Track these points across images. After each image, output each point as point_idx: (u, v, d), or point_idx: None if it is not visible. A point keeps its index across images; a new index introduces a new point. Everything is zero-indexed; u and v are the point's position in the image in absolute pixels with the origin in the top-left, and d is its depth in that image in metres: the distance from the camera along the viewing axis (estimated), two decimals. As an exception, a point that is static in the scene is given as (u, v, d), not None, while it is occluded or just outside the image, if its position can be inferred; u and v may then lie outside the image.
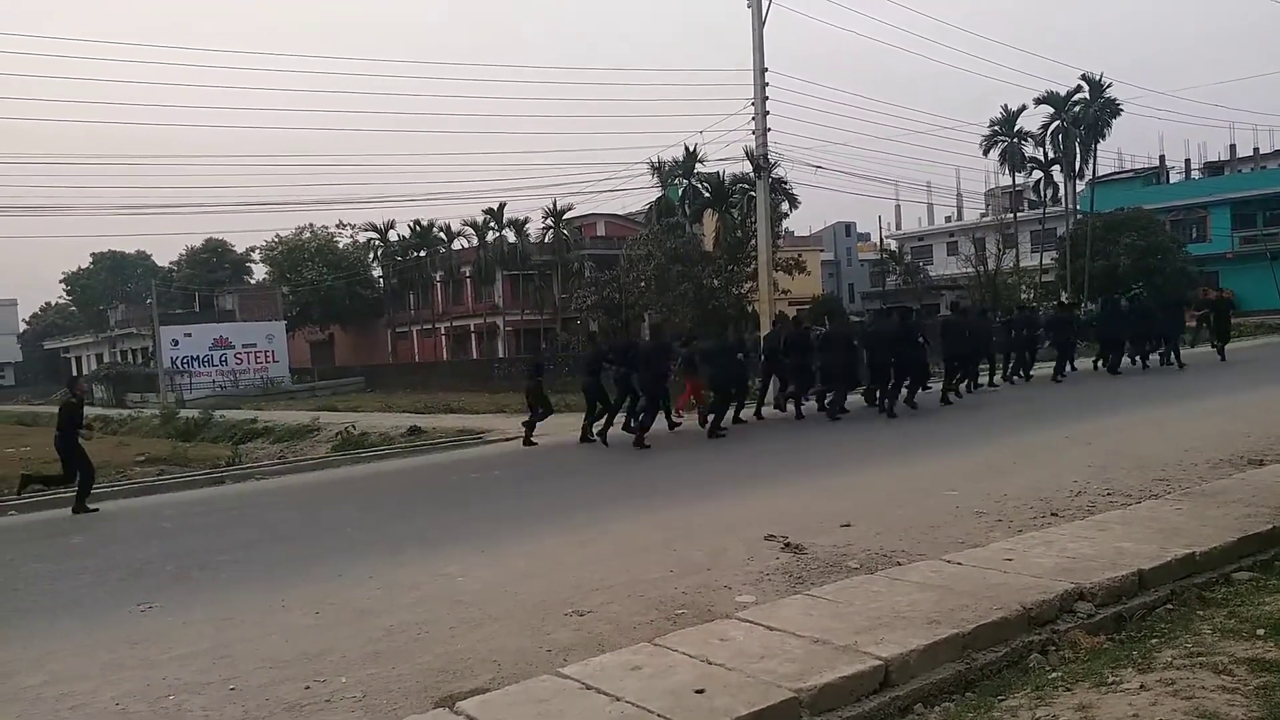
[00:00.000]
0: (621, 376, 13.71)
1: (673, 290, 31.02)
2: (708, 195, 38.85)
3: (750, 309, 29.03)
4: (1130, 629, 4.28)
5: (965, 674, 3.82)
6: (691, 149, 36.98)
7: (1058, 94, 41.31)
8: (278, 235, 59.60)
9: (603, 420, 13.61)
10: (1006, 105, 42.11)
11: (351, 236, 58.30)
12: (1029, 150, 43.12)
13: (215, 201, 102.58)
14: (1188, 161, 53.66)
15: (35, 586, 7.17)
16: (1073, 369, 18.95)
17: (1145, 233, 38.38)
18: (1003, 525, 6.37)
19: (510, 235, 50.24)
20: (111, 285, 68.96)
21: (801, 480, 9.22)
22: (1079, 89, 41.19)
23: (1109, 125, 41.67)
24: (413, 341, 58.66)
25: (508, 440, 15.83)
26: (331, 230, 58.41)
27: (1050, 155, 43.08)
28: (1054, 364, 18.66)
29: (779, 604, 4.71)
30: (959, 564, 5.08)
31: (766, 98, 19.06)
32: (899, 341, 14.29)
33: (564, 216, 47.41)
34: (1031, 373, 18.71)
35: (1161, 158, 52.64)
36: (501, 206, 48.71)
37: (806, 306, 41.94)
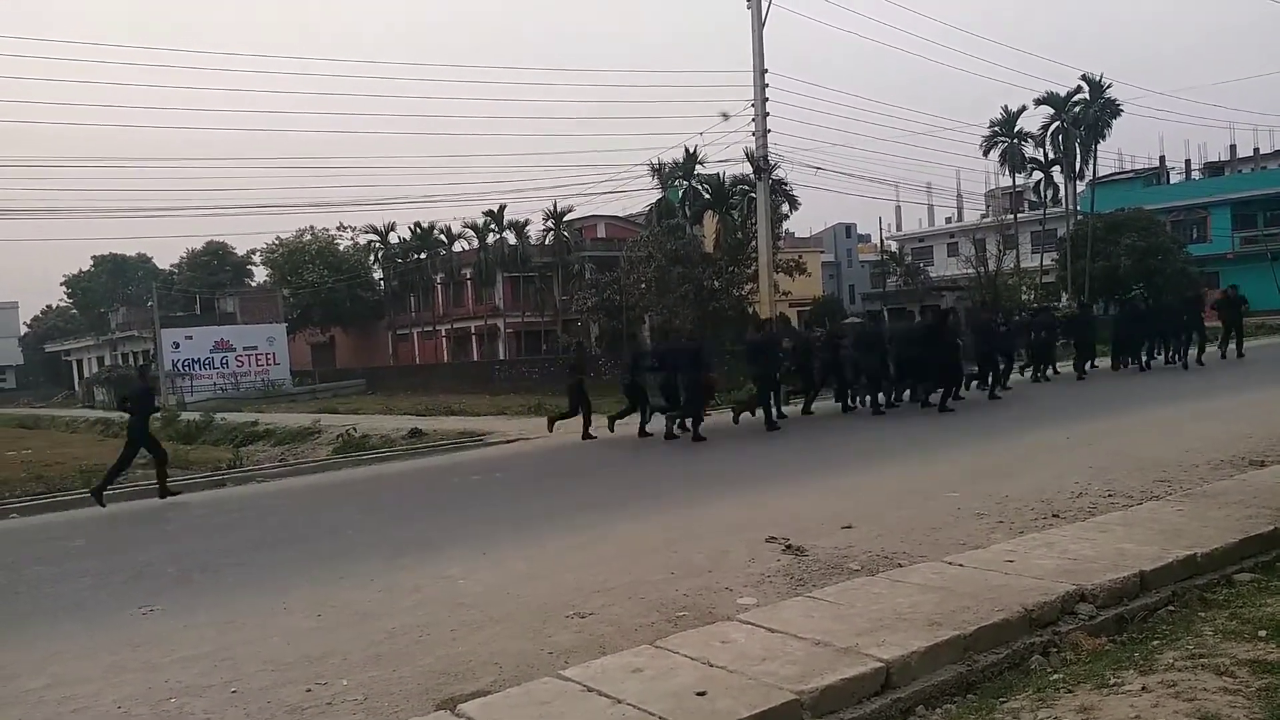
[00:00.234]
0: (665, 378, 14.08)
1: (673, 292, 30.97)
2: (708, 197, 38.81)
3: (751, 310, 29.00)
4: (1132, 630, 4.28)
5: (967, 676, 3.82)
6: (692, 150, 36.99)
7: (1058, 94, 41.28)
8: (278, 238, 59.81)
9: (639, 417, 14.45)
10: (1006, 106, 42.10)
11: (352, 239, 58.36)
12: (1029, 151, 43.06)
13: (216, 204, 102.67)
14: (1188, 162, 53.71)
15: (37, 589, 7.17)
16: (1093, 366, 19.32)
17: (1146, 233, 38.31)
18: (1004, 527, 6.37)
19: (511, 237, 50.20)
20: (112, 288, 68.85)
21: (803, 481, 9.23)
22: (1079, 89, 41.13)
23: (1109, 126, 41.62)
24: (413, 344, 58.59)
25: (509, 442, 15.86)
26: (332, 232, 58.58)
27: (1050, 156, 43.01)
28: (1073, 362, 19.02)
29: (780, 606, 4.71)
30: (960, 566, 5.08)
31: (766, 99, 19.10)
32: (931, 344, 14.35)
33: (564, 218, 47.39)
34: (1049, 373, 18.93)
35: (1162, 158, 52.73)
36: (502, 208, 48.80)
37: (807, 307, 41.98)
